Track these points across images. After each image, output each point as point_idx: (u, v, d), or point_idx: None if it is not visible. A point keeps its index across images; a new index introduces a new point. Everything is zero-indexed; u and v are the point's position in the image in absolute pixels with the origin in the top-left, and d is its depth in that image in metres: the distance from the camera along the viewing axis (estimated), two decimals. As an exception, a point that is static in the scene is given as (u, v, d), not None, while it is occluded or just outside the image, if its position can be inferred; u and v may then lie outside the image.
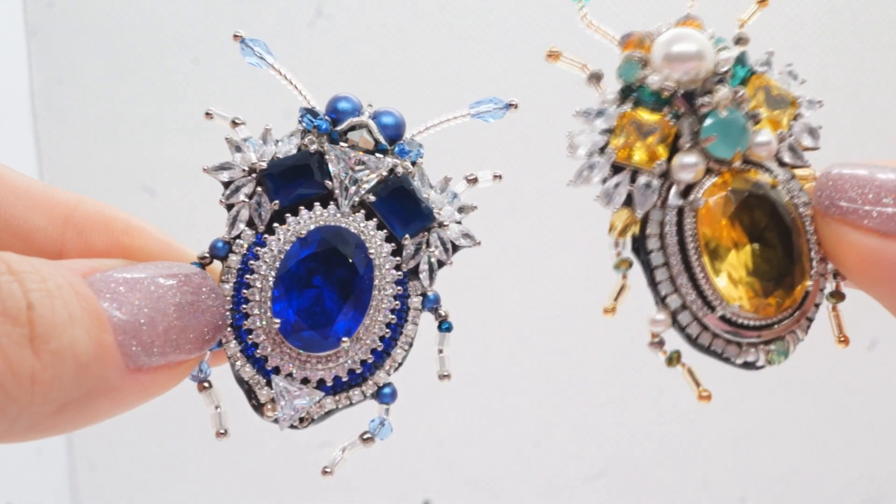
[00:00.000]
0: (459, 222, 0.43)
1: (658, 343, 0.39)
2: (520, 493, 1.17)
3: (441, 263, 0.42)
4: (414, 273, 0.42)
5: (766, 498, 1.16)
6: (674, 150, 0.38)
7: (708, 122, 0.38)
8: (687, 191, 0.38)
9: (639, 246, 0.39)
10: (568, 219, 1.04)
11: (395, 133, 0.42)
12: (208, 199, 0.43)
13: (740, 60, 0.40)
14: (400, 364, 0.42)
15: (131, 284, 0.34)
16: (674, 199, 0.38)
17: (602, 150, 0.39)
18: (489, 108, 0.43)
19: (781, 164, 0.40)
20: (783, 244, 0.38)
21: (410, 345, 0.42)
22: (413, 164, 0.42)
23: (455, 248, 0.43)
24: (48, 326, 0.30)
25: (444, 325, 0.43)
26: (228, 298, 0.40)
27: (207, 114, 0.42)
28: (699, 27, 0.40)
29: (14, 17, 1.08)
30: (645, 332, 0.40)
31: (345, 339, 0.40)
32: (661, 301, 0.39)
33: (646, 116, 0.38)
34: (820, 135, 0.40)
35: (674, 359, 0.39)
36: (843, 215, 0.37)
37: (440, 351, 0.43)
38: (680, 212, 0.38)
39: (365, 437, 0.42)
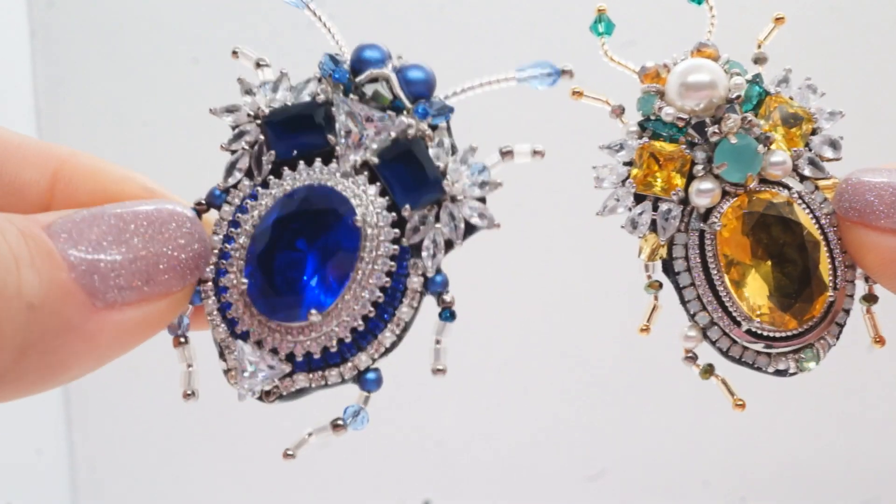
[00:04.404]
0: (478, 199, 0.37)
1: (691, 358, 0.41)
2: (520, 493, 1.17)
3: (449, 244, 0.37)
4: (417, 250, 0.36)
5: (766, 498, 1.16)
6: (691, 177, 0.41)
7: (719, 149, 0.40)
8: (707, 214, 0.41)
9: (668, 268, 0.42)
10: (576, 225, 1.04)
11: (422, 90, 0.37)
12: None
13: (755, 82, 0.42)
14: (388, 349, 0.36)
15: (89, 221, 0.33)
16: (694, 223, 0.41)
17: (624, 181, 0.41)
18: (537, 73, 0.38)
19: (803, 178, 0.41)
20: (802, 259, 0.39)
21: (404, 329, 0.37)
22: (433, 128, 0.37)
23: (470, 229, 0.37)
24: None
25: (446, 314, 0.37)
26: (216, 251, 0.37)
27: (234, 52, 0.40)
28: (713, 55, 0.42)
29: (16, 17, 1.09)
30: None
31: (314, 311, 0.35)
32: (692, 318, 0.41)
33: (662, 147, 0.41)
34: (841, 146, 0.41)
35: (707, 371, 0.41)
36: (861, 217, 0.38)
37: (437, 342, 0.37)
38: (702, 234, 0.40)
39: (336, 423, 0.37)
